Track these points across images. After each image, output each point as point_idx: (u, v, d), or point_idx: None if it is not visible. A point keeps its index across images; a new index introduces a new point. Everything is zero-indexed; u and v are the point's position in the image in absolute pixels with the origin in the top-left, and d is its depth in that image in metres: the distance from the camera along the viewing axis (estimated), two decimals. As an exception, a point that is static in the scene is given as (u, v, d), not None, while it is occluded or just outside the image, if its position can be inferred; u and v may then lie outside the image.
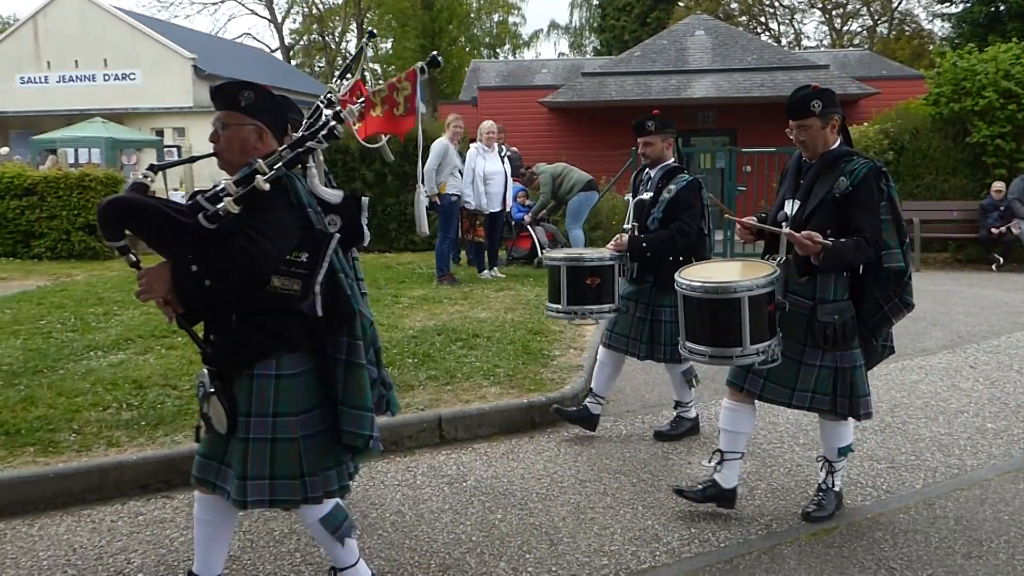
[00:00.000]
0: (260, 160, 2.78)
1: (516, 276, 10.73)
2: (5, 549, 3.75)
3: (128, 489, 4.30)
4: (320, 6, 50.70)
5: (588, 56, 43.80)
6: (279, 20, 49.96)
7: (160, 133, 26.33)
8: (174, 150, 22.97)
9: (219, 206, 2.70)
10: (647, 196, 5.05)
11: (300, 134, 2.98)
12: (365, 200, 3.21)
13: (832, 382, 3.80)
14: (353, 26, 50.10)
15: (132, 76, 29.09)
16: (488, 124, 10.59)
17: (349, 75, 4.50)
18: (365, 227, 4.19)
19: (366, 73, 4.61)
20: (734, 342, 3.70)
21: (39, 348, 6.75)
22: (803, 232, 3.66)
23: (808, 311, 3.78)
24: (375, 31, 4.73)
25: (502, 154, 10.74)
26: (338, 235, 2.94)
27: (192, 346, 6.64)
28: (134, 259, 2.76)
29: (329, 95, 4.13)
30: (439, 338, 6.98)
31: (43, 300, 9.27)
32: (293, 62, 49.38)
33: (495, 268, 10.79)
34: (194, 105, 28.09)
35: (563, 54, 51.86)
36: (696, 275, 3.89)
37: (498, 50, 52.06)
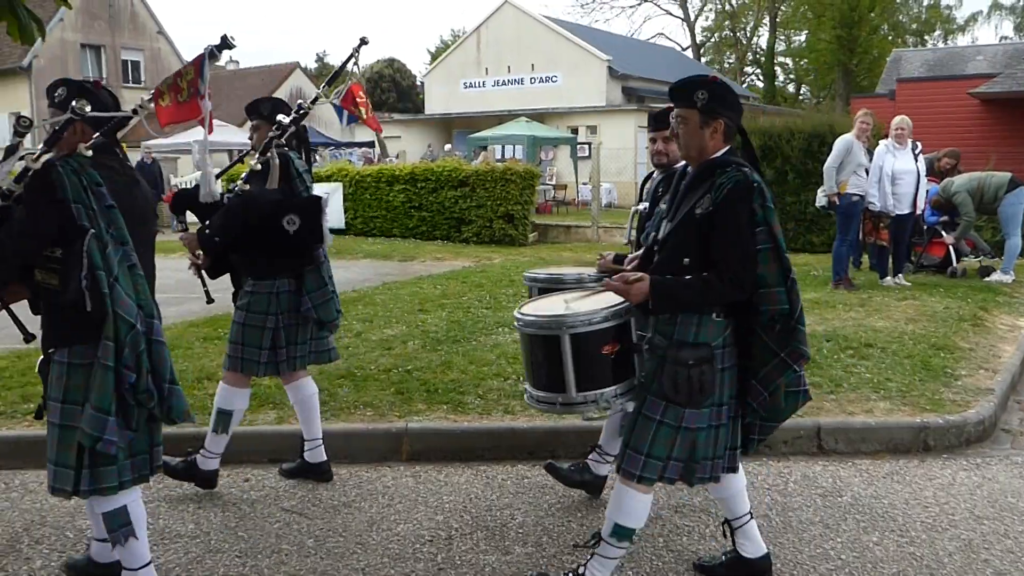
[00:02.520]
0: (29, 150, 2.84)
1: (923, 285, 9.80)
2: (418, 488, 4.42)
3: (518, 453, 4.80)
4: (733, 2, 50.39)
5: (1040, 38, 37.94)
6: (692, 18, 50.66)
7: (575, 131, 28.27)
8: (585, 147, 24.49)
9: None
10: None
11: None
12: (325, 200, 3.37)
13: (670, 444, 3.02)
14: (766, 20, 49.02)
15: (554, 78, 31.60)
16: (899, 119, 9.77)
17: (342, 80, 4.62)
18: (326, 229, 4.11)
19: (358, 77, 4.66)
20: (557, 387, 3.14)
21: (459, 320, 7.73)
22: (615, 276, 3.05)
23: (662, 353, 3.04)
24: (367, 39, 4.65)
25: (916, 151, 9.84)
26: (92, 232, 2.87)
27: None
28: None
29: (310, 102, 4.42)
30: (828, 344, 6.66)
31: (466, 279, 10.55)
32: (703, 59, 49.74)
33: (900, 275, 9.96)
34: (606, 104, 29.72)
35: (1006, 38, 45.59)
36: (537, 307, 3.35)
37: (926, 37, 47.40)
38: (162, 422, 3.18)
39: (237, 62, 45.32)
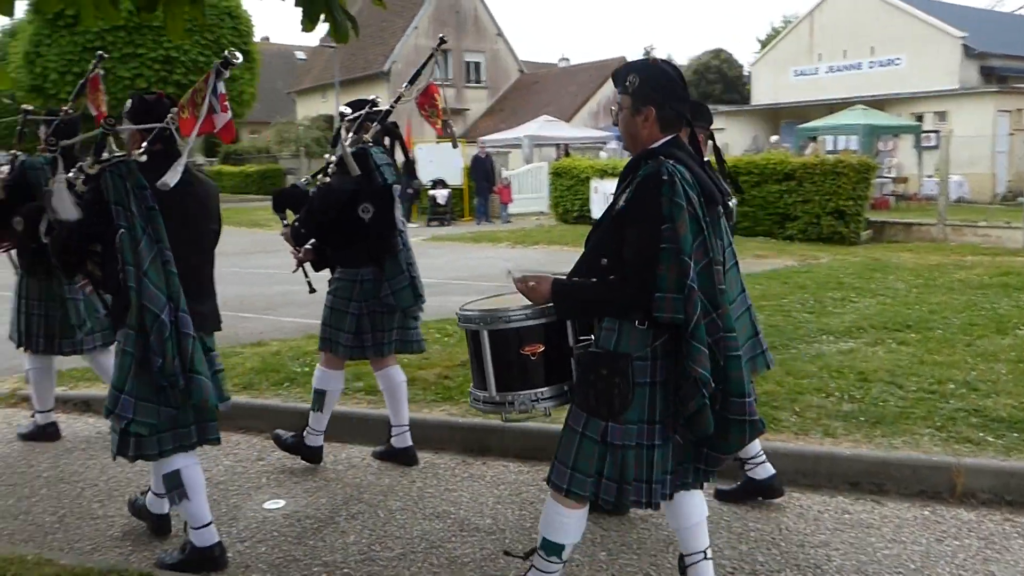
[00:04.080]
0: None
1: None
2: (721, 511, 4.06)
3: (838, 483, 4.26)
4: None
5: None
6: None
7: (919, 118, 25.50)
8: (932, 135, 22.00)
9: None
10: None
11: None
12: (396, 190, 4.06)
13: (596, 461, 2.75)
14: None
15: (897, 61, 28.75)
16: None
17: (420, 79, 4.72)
18: (398, 217, 4.53)
19: (438, 78, 4.75)
20: (481, 384, 3.02)
21: (777, 325, 7.17)
22: (520, 275, 2.86)
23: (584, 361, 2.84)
24: (446, 38, 4.78)
25: None
26: (122, 230, 3.25)
27: (925, 344, 6.28)
28: None
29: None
30: None
31: (788, 280, 9.85)
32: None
33: None
34: (960, 87, 26.45)
35: None
36: (485, 301, 3.21)
37: None
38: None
39: (568, 59, 46.93)
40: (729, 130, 29.40)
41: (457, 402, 5.35)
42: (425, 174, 21.40)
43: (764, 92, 32.98)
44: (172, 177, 3.13)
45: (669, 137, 2.80)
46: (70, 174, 3.42)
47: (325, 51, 40.91)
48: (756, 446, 3.99)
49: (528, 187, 22.76)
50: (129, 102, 3.57)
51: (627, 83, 2.82)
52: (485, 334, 2.93)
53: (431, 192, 21.17)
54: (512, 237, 16.61)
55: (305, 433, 4.74)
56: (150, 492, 3.89)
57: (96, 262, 3.41)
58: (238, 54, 3.22)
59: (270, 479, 4.65)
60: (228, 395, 3.78)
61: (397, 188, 4.55)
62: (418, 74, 4.88)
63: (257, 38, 54.96)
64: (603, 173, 17.69)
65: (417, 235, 18.49)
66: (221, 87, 3.25)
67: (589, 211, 17.96)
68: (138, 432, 3.40)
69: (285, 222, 4.67)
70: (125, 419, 3.35)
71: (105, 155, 3.42)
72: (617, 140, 26.79)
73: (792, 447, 4.43)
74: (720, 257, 2.75)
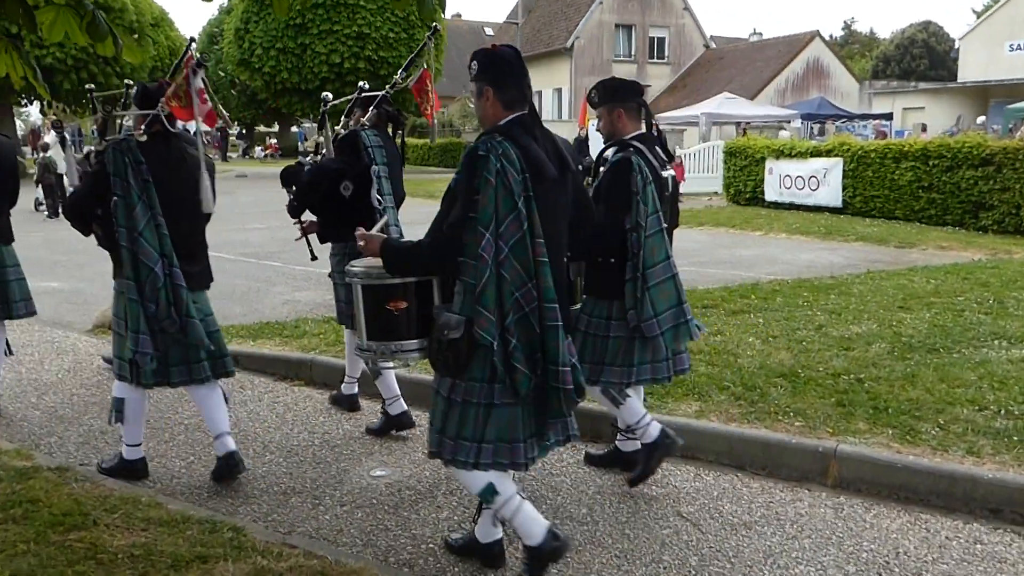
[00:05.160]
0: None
1: None
2: (835, 524, 3.74)
3: (976, 508, 3.80)
4: None
5: None
6: None
7: None
8: None
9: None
10: None
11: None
12: (375, 171, 4.55)
13: (441, 416, 3.04)
14: None
15: None
16: None
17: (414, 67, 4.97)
18: (374, 197, 4.72)
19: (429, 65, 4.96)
20: (359, 333, 3.33)
21: (944, 325, 6.54)
22: (359, 233, 3.21)
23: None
24: (438, 27, 4.90)
25: None
26: (116, 197, 3.83)
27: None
28: None
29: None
30: None
31: (970, 275, 8.98)
32: None
33: None
34: None
35: None
36: (371, 259, 3.27)
37: None
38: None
39: (760, 33, 45.00)
40: (930, 109, 27.25)
41: (575, 384, 5.24)
42: (596, 151, 21.23)
43: (973, 68, 30.22)
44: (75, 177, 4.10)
45: (514, 115, 2.98)
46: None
47: (512, 27, 41.32)
48: (639, 416, 4.00)
49: (701, 166, 22.04)
50: (135, 89, 4.19)
51: (470, 69, 3.08)
52: (359, 288, 3.26)
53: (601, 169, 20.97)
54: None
55: (386, 408, 4.93)
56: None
57: (99, 223, 4.05)
58: (205, 57, 3.86)
59: (383, 447, 4.74)
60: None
61: (377, 169, 4.70)
62: (411, 62, 5.10)
63: (448, 15, 56.58)
64: (779, 153, 16.82)
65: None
66: (199, 83, 3.84)
67: (763, 193, 17.16)
68: (141, 365, 3.94)
69: (290, 196, 5.04)
70: (147, 354, 3.89)
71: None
72: (802, 119, 25.45)
73: (926, 463, 4.00)
74: (538, 230, 2.87)
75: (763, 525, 3.74)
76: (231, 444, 4.18)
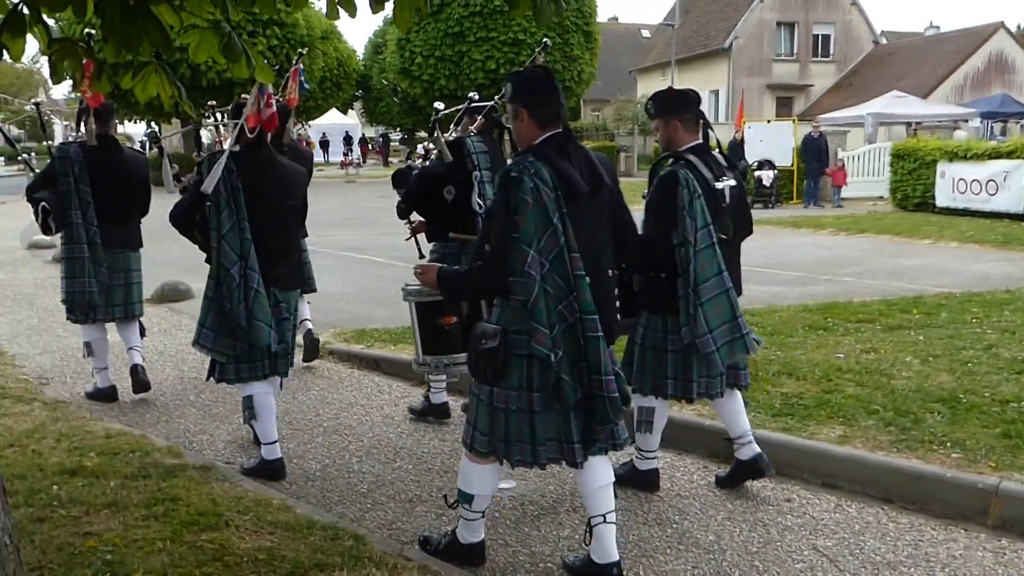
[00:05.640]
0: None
1: None
2: (995, 571, 3.38)
3: None
4: None
5: None
6: None
7: None
8: None
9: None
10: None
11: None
12: (476, 177, 4.62)
13: (486, 420, 3.18)
14: None
15: None
16: None
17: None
18: (474, 201, 4.82)
19: None
20: (415, 349, 3.90)
21: None
22: (416, 266, 3.46)
23: None
24: (548, 42, 5.23)
25: None
26: (208, 203, 4.12)
27: None
28: None
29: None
30: None
31: None
32: None
33: None
34: None
35: None
36: None
37: None
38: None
39: (937, 27, 42.24)
40: None
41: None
42: (753, 154, 20.52)
43: None
44: (209, 185, 4.11)
45: (549, 134, 3.09)
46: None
47: (667, 29, 40.68)
48: (743, 425, 4.07)
49: (866, 170, 20.85)
50: (232, 105, 4.73)
51: (503, 93, 3.25)
52: (413, 306, 3.62)
53: (756, 173, 20.23)
54: (837, 223, 15.33)
55: (429, 394, 5.32)
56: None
57: (199, 229, 4.32)
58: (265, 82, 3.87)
59: (510, 458, 4.72)
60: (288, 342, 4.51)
61: (479, 174, 4.80)
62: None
63: (604, 18, 56.44)
64: (953, 155, 15.66)
65: (736, 217, 17.83)
66: (267, 91, 4.22)
67: (933, 198, 16.04)
68: (218, 360, 4.32)
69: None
70: (206, 348, 4.27)
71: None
72: (981, 118, 23.65)
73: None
74: (574, 244, 2.99)
75: (910, 566, 3.44)
76: (276, 452, 4.44)
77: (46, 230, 5.49)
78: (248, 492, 3.93)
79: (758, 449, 4.09)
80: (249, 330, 4.17)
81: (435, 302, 3.30)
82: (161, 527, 3.42)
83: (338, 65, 36.39)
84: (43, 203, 5.34)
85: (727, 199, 3.92)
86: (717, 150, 4.03)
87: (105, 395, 5.78)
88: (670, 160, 3.92)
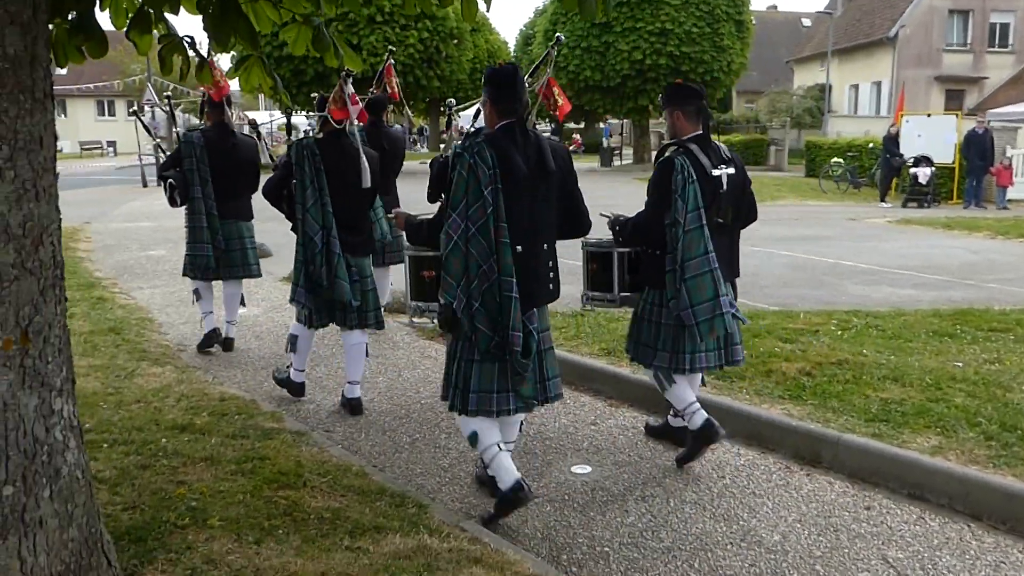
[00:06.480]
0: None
1: None
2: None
3: None
4: None
5: None
6: None
7: None
8: None
9: None
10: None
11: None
12: None
13: (447, 369, 3.88)
14: None
15: None
16: None
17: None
18: None
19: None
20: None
21: None
22: (393, 213, 4.59)
23: None
24: (562, 37, 5.15)
25: None
26: (294, 181, 5.02)
27: None
28: None
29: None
30: None
31: None
32: None
33: None
34: None
35: None
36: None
37: None
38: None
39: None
40: None
41: (803, 402, 4.90)
42: (910, 149, 19.43)
43: None
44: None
45: (505, 123, 3.60)
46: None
47: (829, 18, 38.94)
48: (686, 403, 4.30)
49: (1037, 169, 19.34)
50: (316, 99, 5.42)
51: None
52: (407, 258, 5.29)
53: (912, 170, 19.14)
54: (995, 226, 14.31)
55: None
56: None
57: (287, 202, 5.16)
58: (350, 71, 4.28)
59: (592, 444, 4.79)
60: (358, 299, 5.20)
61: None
62: (537, 68, 5.28)
63: (764, 6, 54.58)
64: None
65: (886, 216, 16.91)
66: (349, 89, 4.88)
67: (1110, 202, 14.68)
68: (308, 311, 5.17)
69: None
70: (300, 303, 5.17)
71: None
72: None
73: None
74: (502, 215, 3.44)
75: (987, 587, 3.28)
76: (356, 392, 5.28)
77: (172, 203, 6.42)
78: (332, 457, 4.19)
79: (706, 415, 4.30)
80: (332, 288, 4.99)
81: (419, 256, 4.03)
82: (246, 482, 3.72)
83: (488, 56, 37.03)
84: (170, 180, 6.26)
85: (724, 186, 4.19)
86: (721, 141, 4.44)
87: (208, 338, 6.64)
88: (671, 148, 4.27)
